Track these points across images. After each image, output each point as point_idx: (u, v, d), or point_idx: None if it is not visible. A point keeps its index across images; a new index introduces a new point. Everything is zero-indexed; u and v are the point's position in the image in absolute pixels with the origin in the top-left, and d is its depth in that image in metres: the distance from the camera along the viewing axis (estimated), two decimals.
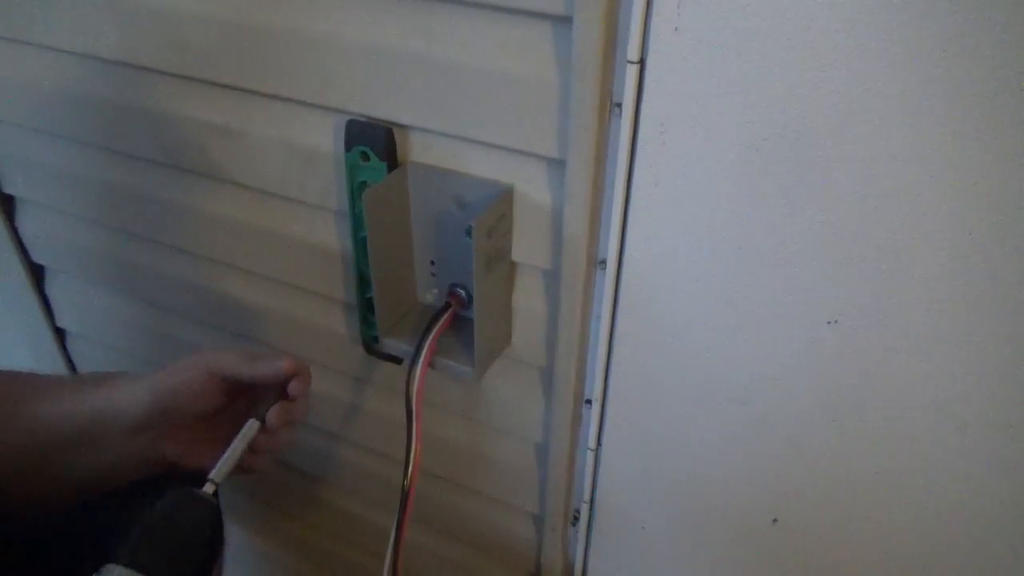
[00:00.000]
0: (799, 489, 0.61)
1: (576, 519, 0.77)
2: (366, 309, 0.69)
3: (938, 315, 0.49)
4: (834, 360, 0.54)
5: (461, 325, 0.66)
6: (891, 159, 0.45)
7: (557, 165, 0.57)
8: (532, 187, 0.59)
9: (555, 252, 0.60)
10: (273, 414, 0.54)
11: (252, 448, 0.55)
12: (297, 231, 0.74)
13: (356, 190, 0.63)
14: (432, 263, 0.67)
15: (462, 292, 0.65)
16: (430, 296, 0.68)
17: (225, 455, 0.51)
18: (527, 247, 0.61)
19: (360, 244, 0.65)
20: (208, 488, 0.49)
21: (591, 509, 0.74)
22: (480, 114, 0.57)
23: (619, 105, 0.52)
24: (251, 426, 0.53)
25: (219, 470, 0.49)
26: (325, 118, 0.64)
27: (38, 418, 0.53)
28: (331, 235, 0.72)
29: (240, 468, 0.55)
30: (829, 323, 0.53)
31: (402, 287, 0.67)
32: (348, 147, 0.61)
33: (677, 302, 0.57)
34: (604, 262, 0.59)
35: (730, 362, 0.57)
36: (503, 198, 0.58)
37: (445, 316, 0.64)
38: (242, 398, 0.58)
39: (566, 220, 0.57)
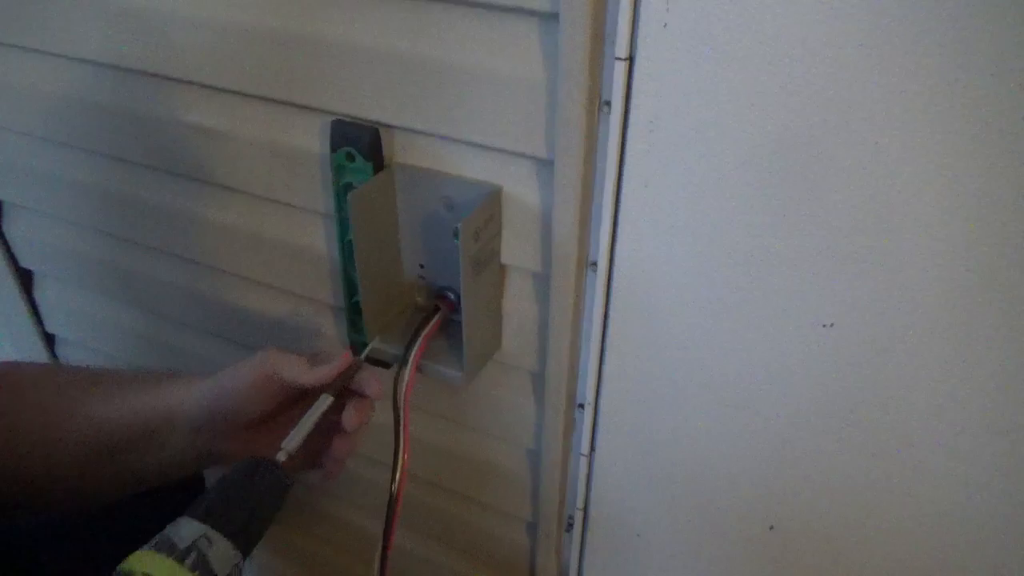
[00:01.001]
0: (796, 494, 0.60)
1: (570, 526, 0.75)
2: (354, 313, 0.67)
3: (935, 319, 0.48)
4: (829, 363, 0.52)
5: (451, 329, 0.65)
6: (886, 162, 0.44)
7: (546, 165, 0.55)
8: (521, 188, 0.58)
9: (545, 254, 0.59)
10: (350, 417, 0.54)
11: (332, 456, 0.56)
12: (285, 234, 0.73)
13: (342, 192, 0.62)
14: (421, 266, 0.65)
15: (451, 295, 0.64)
16: (419, 299, 0.66)
17: (297, 427, 0.51)
18: (516, 249, 0.60)
19: (347, 247, 0.64)
20: (280, 456, 0.49)
21: (585, 516, 0.73)
22: (467, 114, 0.55)
23: (608, 103, 0.51)
24: (323, 400, 0.53)
25: (291, 440, 0.50)
26: (311, 119, 0.63)
27: (102, 416, 0.54)
28: (319, 238, 0.71)
29: (315, 463, 0.56)
30: (824, 326, 0.51)
31: (390, 291, 0.66)
32: (334, 148, 0.60)
33: (670, 304, 0.56)
34: (595, 264, 0.58)
35: (724, 366, 0.56)
36: (491, 199, 0.57)
37: (434, 320, 0.63)
38: (302, 400, 0.57)
39: (555, 221, 0.56)
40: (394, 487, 0.56)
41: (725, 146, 0.48)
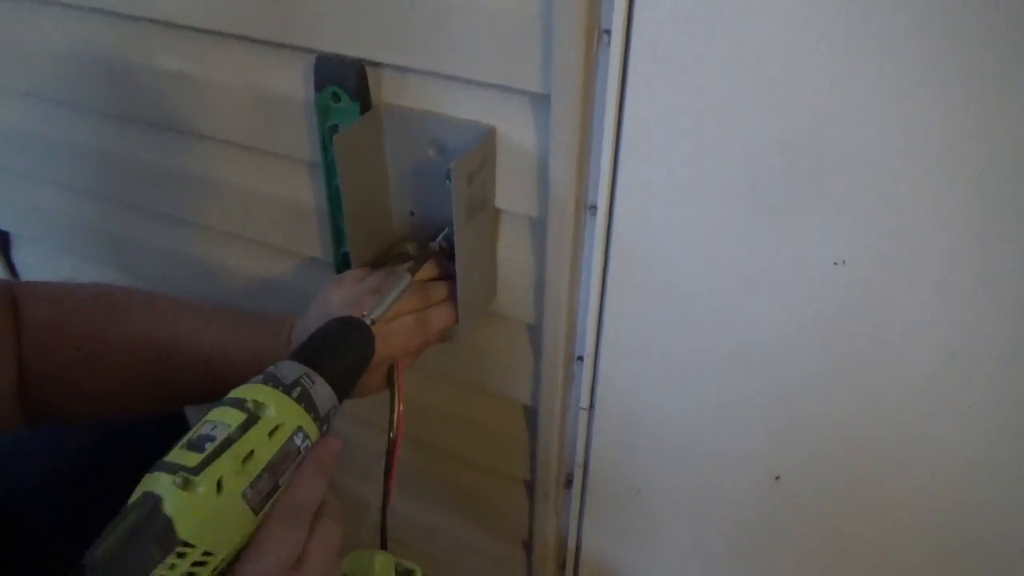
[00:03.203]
0: (803, 444, 0.58)
1: (569, 484, 0.74)
2: (343, 265, 0.65)
3: (951, 253, 0.45)
4: (841, 304, 0.50)
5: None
6: (904, 91, 0.42)
7: (542, 101, 0.52)
8: (515, 127, 0.55)
9: (541, 197, 0.56)
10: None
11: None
12: (268, 186, 0.69)
13: (328, 134, 0.59)
14: (412, 213, 0.62)
15: (444, 243, 0.61)
16: (410, 249, 0.64)
17: (381, 298, 0.52)
18: (511, 193, 0.57)
19: (334, 194, 0.61)
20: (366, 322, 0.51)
21: (585, 473, 0.71)
22: (458, 47, 0.52)
23: (607, 32, 0.48)
24: (404, 278, 0.55)
25: (376, 309, 0.51)
26: (293, 59, 0.60)
27: (196, 345, 0.57)
28: (304, 188, 0.68)
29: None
30: (836, 264, 0.49)
31: (380, 240, 0.63)
32: (318, 87, 0.57)
33: (674, 247, 0.54)
34: (594, 207, 0.55)
35: (731, 309, 0.54)
36: (485, 140, 0.54)
37: (425, 265, 0.59)
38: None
39: (552, 161, 0.53)
40: (392, 433, 0.54)
41: (733, 75, 0.45)
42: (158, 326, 0.57)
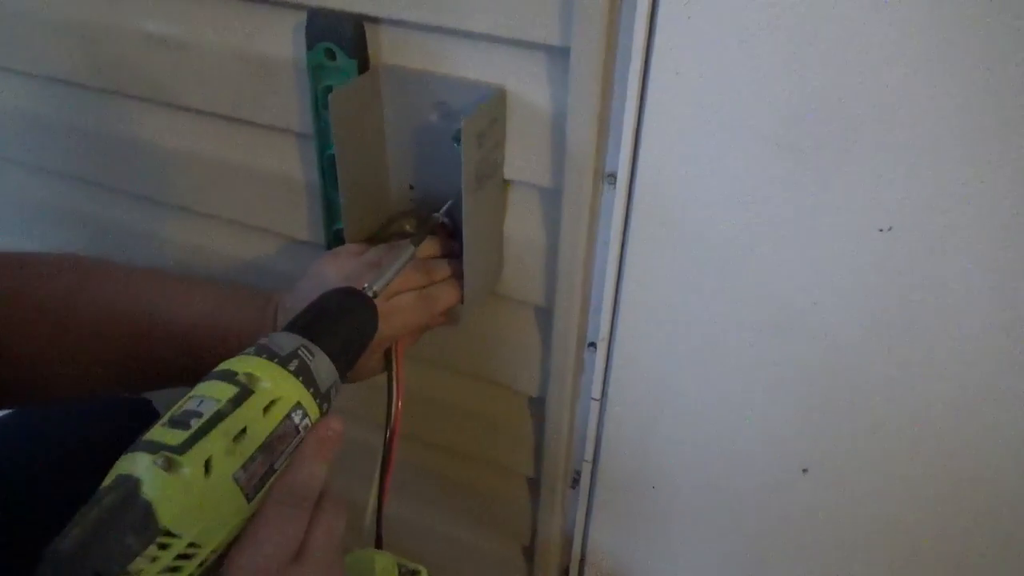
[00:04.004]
0: (837, 429, 0.53)
1: (576, 481, 0.69)
2: (335, 243, 0.60)
3: (1009, 219, 0.42)
4: (886, 275, 0.46)
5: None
6: (953, 51, 0.38)
7: (559, 56, 0.48)
8: (528, 87, 0.50)
9: (556, 165, 0.52)
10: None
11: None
12: (254, 160, 0.64)
13: (321, 97, 0.54)
14: (411, 187, 0.58)
15: (446, 220, 0.56)
16: (408, 227, 0.59)
17: (383, 269, 0.48)
18: (522, 161, 0.53)
19: (328, 164, 0.56)
20: (368, 294, 0.46)
21: (593, 469, 0.67)
22: None
23: None
24: (407, 249, 0.51)
25: (378, 280, 0.47)
26: (282, 17, 0.55)
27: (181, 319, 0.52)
28: (293, 162, 0.63)
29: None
30: (881, 231, 0.45)
31: (376, 216, 0.58)
32: (310, 45, 0.52)
33: (701, 219, 0.49)
34: (613, 176, 0.51)
35: (764, 285, 0.50)
36: (495, 99, 0.50)
37: (424, 243, 0.55)
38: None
39: (570, 124, 0.48)
40: (390, 421, 0.49)
41: (774, 18, 0.41)
42: (133, 296, 0.52)
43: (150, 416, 0.61)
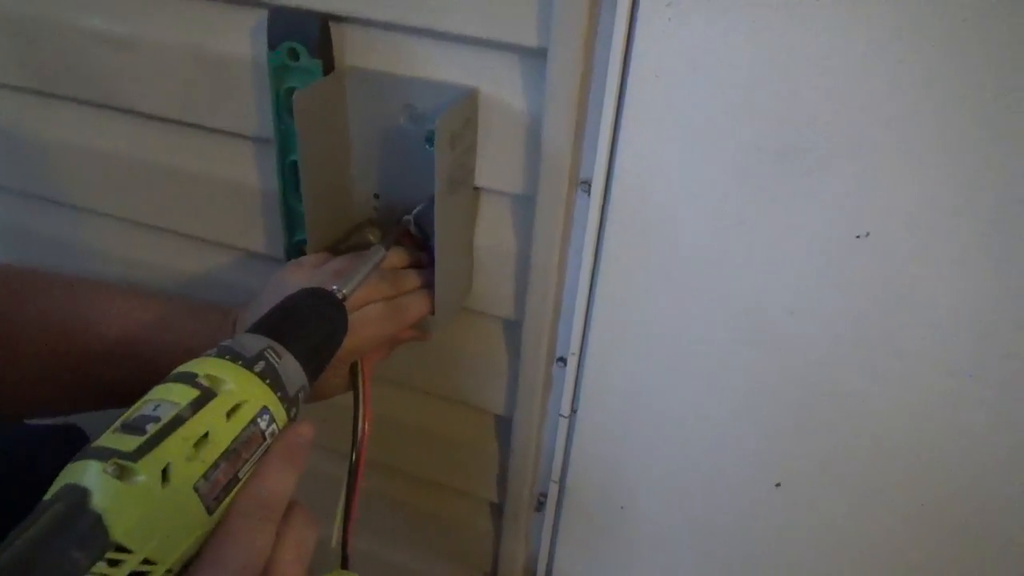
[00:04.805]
0: (811, 443, 0.53)
1: (542, 504, 0.67)
2: (295, 254, 0.57)
3: (986, 226, 0.42)
4: (863, 282, 0.46)
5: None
6: (925, 62, 0.38)
7: (534, 58, 0.47)
8: (502, 90, 0.49)
9: (529, 172, 0.50)
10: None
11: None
12: (207, 168, 0.61)
13: (283, 99, 0.51)
14: (376, 196, 0.55)
15: (414, 228, 0.54)
16: (372, 237, 0.56)
17: (352, 271, 0.46)
18: (494, 167, 0.51)
19: (289, 170, 0.54)
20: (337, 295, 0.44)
21: (560, 489, 0.64)
22: None
23: None
24: (377, 251, 0.49)
25: (348, 282, 0.44)
26: (239, 15, 0.53)
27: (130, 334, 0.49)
28: (249, 170, 0.60)
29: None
30: (859, 237, 0.45)
31: (340, 226, 0.56)
32: (272, 44, 0.50)
33: (677, 227, 0.48)
34: (587, 183, 0.50)
35: (740, 295, 0.49)
36: (467, 101, 0.48)
37: (383, 255, 0.52)
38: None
39: (546, 128, 0.47)
40: (357, 439, 0.46)
41: (761, 23, 0.41)
42: (68, 310, 0.48)
43: (78, 442, 0.56)
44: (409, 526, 0.74)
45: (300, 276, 0.48)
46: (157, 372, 0.45)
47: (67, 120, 0.64)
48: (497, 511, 0.69)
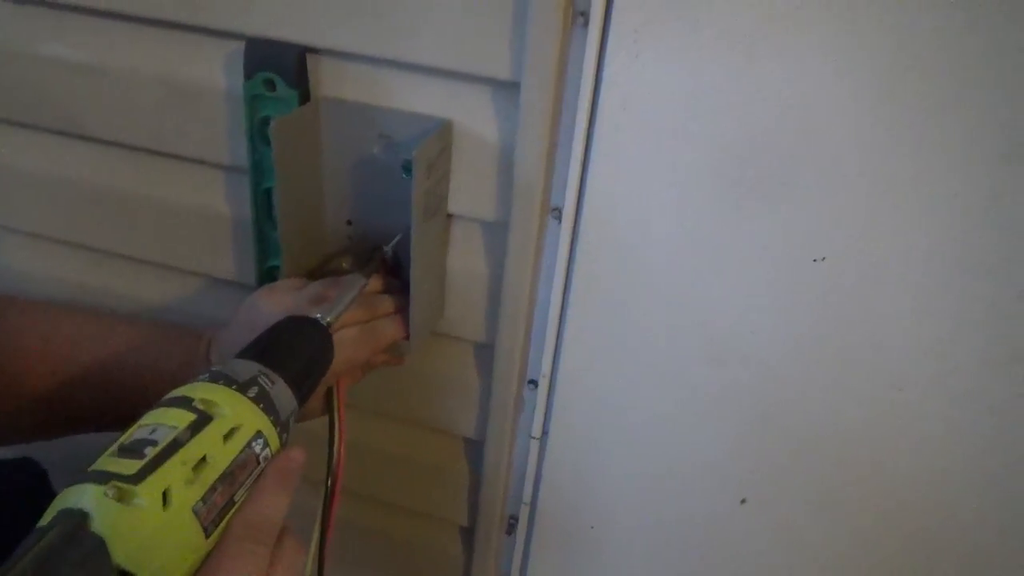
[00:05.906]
0: (774, 459, 0.55)
1: (512, 526, 0.67)
2: (269, 280, 0.57)
3: (937, 249, 0.45)
4: (820, 303, 0.48)
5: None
6: (882, 86, 0.41)
7: (506, 91, 0.49)
8: (475, 121, 0.50)
9: (501, 199, 0.52)
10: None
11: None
12: (176, 196, 0.61)
13: (257, 129, 0.52)
14: (348, 223, 0.56)
15: (387, 253, 0.55)
16: (345, 264, 0.57)
17: (336, 300, 0.47)
18: (467, 195, 0.53)
19: (262, 199, 0.54)
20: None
21: (531, 511, 0.65)
22: (412, 30, 0.48)
23: (583, 14, 0.45)
24: (357, 279, 0.50)
25: (331, 310, 0.45)
26: (214, 46, 0.53)
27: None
28: (218, 197, 0.60)
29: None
30: (815, 261, 0.47)
31: (313, 253, 0.56)
32: (248, 74, 0.51)
33: (645, 253, 0.50)
34: (558, 210, 0.52)
35: (706, 316, 0.51)
36: (442, 131, 0.49)
37: (362, 282, 0.53)
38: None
39: (518, 158, 0.49)
40: (332, 463, 0.47)
41: (719, 57, 0.43)
42: (40, 335, 0.48)
43: (34, 474, 0.55)
44: (377, 552, 0.74)
45: (275, 301, 0.48)
46: (128, 396, 0.45)
47: (30, 146, 0.63)
48: (467, 535, 0.70)
